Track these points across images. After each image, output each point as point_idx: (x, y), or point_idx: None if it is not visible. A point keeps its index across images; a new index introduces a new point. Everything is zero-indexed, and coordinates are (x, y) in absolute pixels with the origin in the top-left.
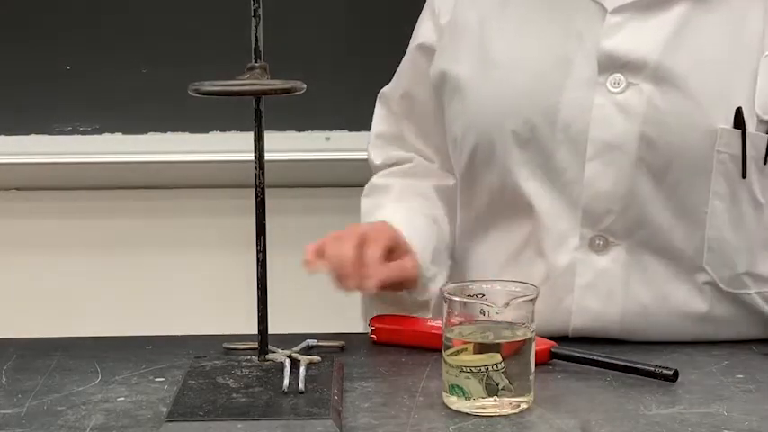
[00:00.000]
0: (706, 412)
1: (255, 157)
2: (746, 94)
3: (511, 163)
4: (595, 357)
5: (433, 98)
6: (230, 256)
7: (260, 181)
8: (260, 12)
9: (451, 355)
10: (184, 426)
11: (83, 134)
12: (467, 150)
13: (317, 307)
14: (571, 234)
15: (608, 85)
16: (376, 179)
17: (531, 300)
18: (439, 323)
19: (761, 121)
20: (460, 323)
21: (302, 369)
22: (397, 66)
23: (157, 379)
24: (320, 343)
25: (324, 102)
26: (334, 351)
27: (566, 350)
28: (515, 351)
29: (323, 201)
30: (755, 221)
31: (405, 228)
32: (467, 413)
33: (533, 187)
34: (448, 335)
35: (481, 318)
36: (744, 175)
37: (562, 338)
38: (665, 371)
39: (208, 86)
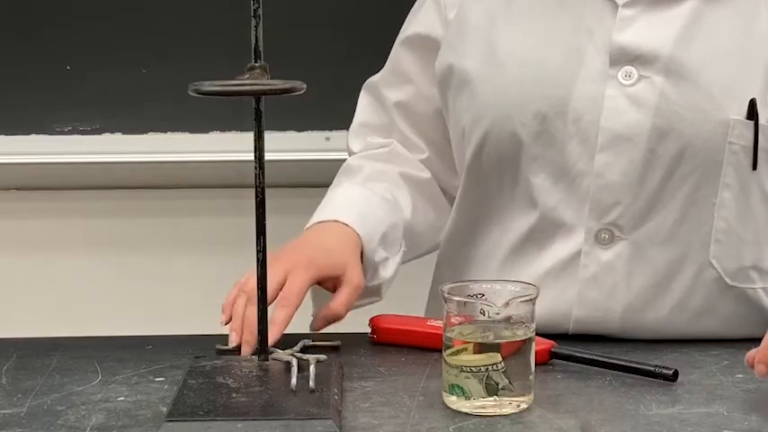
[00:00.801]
0: (706, 412)
1: (255, 157)
2: (759, 86)
3: (519, 155)
4: (595, 357)
5: (430, 88)
6: (230, 256)
7: (260, 181)
8: (260, 12)
9: (451, 355)
10: (184, 426)
11: (83, 134)
12: (474, 143)
13: None
14: (577, 227)
15: (619, 77)
16: (349, 160)
17: (531, 300)
18: (439, 323)
19: None
20: (460, 323)
21: (312, 368)
22: None
23: (157, 379)
24: (316, 343)
25: (324, 102)
26: (330, 351)
27: (566, 350)
28: (515, 351)
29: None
30: (764, 214)
31: (353, 217)
32: (467, 413)
33: (541, 180)
34: (448, 335)
35: (481, 318)
36: (755, 167)
37: (562, 336)
38: (665, 371)
39: (208, 86)
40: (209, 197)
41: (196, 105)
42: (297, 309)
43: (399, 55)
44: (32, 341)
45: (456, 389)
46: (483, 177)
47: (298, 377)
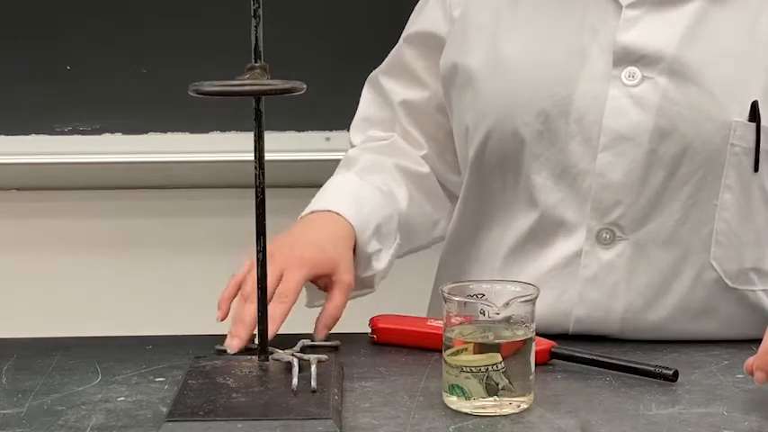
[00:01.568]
0: (706, 412)
1: (255, 157)
2: (762, 88)
3: (522, 154)
4: (595, 357)
5: (433, 85)
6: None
7: (260, 181)
8: (260, 12)
9: (451, 355)
10: (184, 426)
11: (83, 134)
12: (477, 141)
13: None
14: (578, 226)
15: (623, 77)
16: (349, 152)
17: (532, 300)
18: (439, 323)
19: None
20: (460, 323)
21: (313, 368)
22: None
23: (157, 379)
24: (315, 343)
25: (324, 102)
26: (330, 351)
27: (566, 350)
28: (515, 351)
29: None
30: (765, 216)
31: (347, 208)
32: (467, 413)
33: (543, 178)
34: (448, 335)
35: (481, 318)
36: (756, 169)
37: (562, 336)
38: (665, 371)
39: (208, 86)
40: (209, 197)
41: (196, 105)
42: (293, 305)
43: (403, 51)
44: (32, 341)
45: (456, 389)
46: (485, 176)
47: (298, 377)
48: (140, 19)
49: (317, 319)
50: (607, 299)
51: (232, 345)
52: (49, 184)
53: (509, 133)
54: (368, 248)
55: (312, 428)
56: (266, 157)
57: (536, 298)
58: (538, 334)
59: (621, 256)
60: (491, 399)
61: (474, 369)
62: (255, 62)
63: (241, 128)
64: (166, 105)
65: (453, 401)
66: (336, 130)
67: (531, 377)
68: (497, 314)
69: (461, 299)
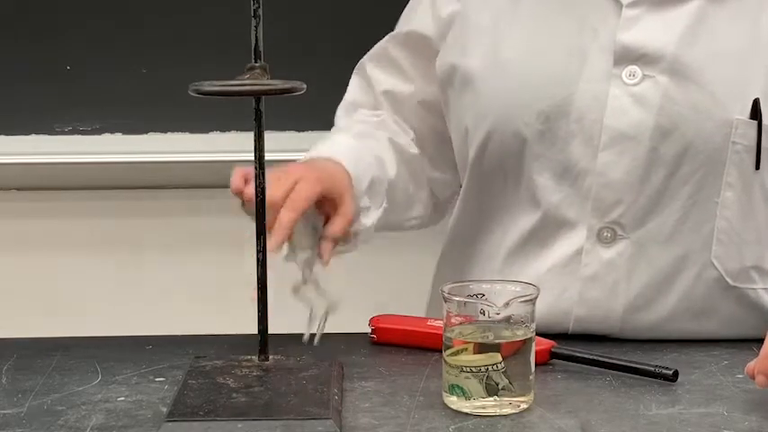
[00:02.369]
0: (706, 412)
1: (255, 157)
2: (763, 86)
3: (522, 154)
4: (595, 357)
5: (418, 81)
6: (230, 256)
7: (260, 181)
8: (260, 12)
9: (451, 355)
10: (184, 426)
11: (83, 134)
12: (477, 141)
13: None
14: (579, 225)
15: (623, 77)
16: (340, 122)
17: (532, 300)
18: (439, 323)
19: None
20: (461, 323)
21: (323, 317)
22: None
23: (157, 379)
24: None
25: (324, 102)
26: (335, 350)
27: (566, 350)
28: (515, 351)
29: None
30: (766, 214)
31: (346, 158)
32: (467, 413)
33: (544, 178)
34: (448, 335)
35: (481, 318)
36: (758, 167)
37: (562, 335)
38: (665, 371)
39: (208, 86)
40: (209, 197)
41: (196, 105)
42: (301, 214)
43: (391, 47)
44: (32, 341)
45: (456, 389)
46: (486, 176)
47: (299, 377)
48: (140, 19)
49: (320, 245)
50: (607, 298)
51: (270, 246)
52: (48, 184)
53: (509, 134)
54: (360, 202)
55: (312, 428)
56: (266, 157)
57: (536, 298)
58: (538, 334)
59: (622, 255)
60: (491, 399)
61: (474, 369)
62: (255, 62)
63: (241, 128)
64: (166, 105)
65: (453, 401)
66: None
67: (531, 377)
68: (497, 314)
69: (461, 299)
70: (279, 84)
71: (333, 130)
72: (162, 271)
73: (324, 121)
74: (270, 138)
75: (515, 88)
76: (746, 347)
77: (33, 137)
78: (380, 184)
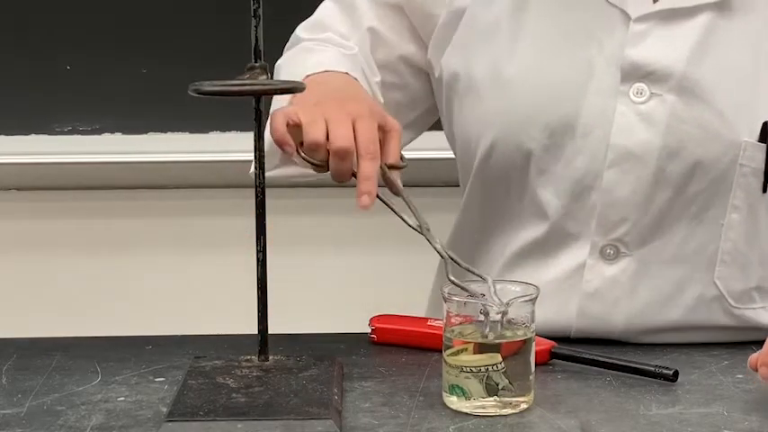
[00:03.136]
0: (706, 412)
1: (255, 157)
2: None
3: (527, 167)
4: (596, 357)
5: (405, 35)
6: (230, 256)
7: (260, 181)
8: (260, 12)
9: (451, 355)
10: (184, 426)
11: (83, 134)
12: (481, 151)
13: (317, 307)
14: (582, 241)
15: (631, 94)
16: (307, 43)
17: (531, 300)
18: (439, 323)
19: None
20: (460, 323)
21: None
22: None
23: (157, 379)
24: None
25: None
26: (335, 350)
27: (566, 350)
28: (515, 351)
29: (323, 201)
30: None
31: (355, 71)
32: (467, 413)
33: (548, 193)
34: (448, 335)
35: (481, 318)
36: (765, 190)
37: (563, 339)
38: (665, 371)
39: (208, 86)
40: (209, 197)
41: (196, 105)
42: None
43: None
44: (32, 341)
45: (456, 389)
46: (489, 185)
47: (299, 377)
48: (140, 19)
49: (386, 175)
50: (608, 314)
51: (364, 202)
52: (48, 184)
53: (514, 146)
54: None
55: (312, 428)
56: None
57: (536, 298)
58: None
59: (625, 272)
60: (491, 399)
61: (474, 369)
62: (255, 62)
63: (241, 128)
64: (166, 105)
65: (453, 401)
66: None
67: (531, 377)
68: (497, 314)
69: (461, 299)
70: (279, 84)
71: (300, 47)
72: (162, 271)
73: None
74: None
75: (520, 100)
76: (747, 347)
77: (33, 137)
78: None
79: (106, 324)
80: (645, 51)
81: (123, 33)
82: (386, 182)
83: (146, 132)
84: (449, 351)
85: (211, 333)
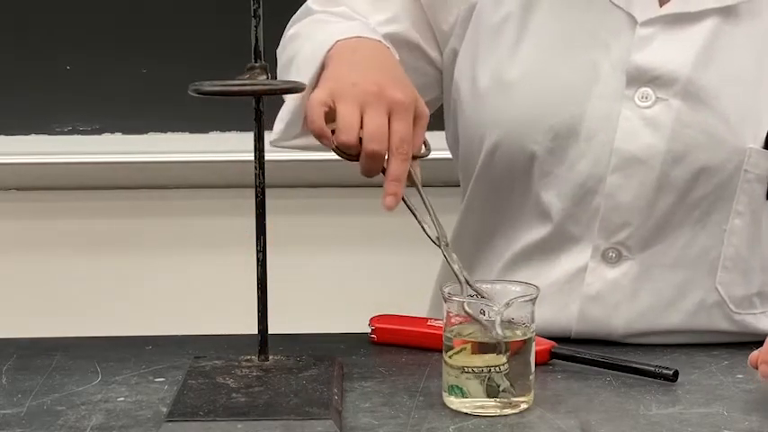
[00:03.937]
0: (706, 412)
1: (255, 157)
2: None
3: (531, 169)
4: (595, 357)
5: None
6: (230, 256)
7: (260, 181)
8: (260, 12)
9: (452, 355)
10: (184, 426)
11: (83, 134)
12: (484, 154)
13: (317, 307)
14: (584, 244)
15: (636, 99)
16: (320, 15)
17: (531, 300)
18: (439, 323)
19: None
20: (460, 323)
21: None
22: None
23: (157, 379)
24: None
25: None
26: (335, 350)
27: (566, 350)
28: (515, 351)
29: (323, 201)
30: None
31: (385, 41)
32: (467, 413)
33: (551, 195)
34: (448, 335)
35: (481, 318)
36: None
37: (563, 339)
38: (665, 371)
39: (208, 86)
40: (209, 197)
41: (196, 105)
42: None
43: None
44: (32, 341)
45: (455, 390)
46: (492, 186)
47: (299, 377)
48: (140, 19)
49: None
50: (608, 317)
51: (389, 203)
52: (49, 184)
53: (518, 148)
54: None
55: (312, 428)
56: (266, 157)
57: (536, 298)
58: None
59: (626, 276)
60: (491, 400)
61: (476, 370)
62: (255, 62)
63: (241, 128)
64: (166, 105)
65: (453, 402)
66: None
67: (531, 377)
68: (497, 314)
69: (461, 299)
70: (279, 84)
71: (315, 18)
72: (162, 271)
73: None
74: (270, 138)
75: (525, 103)
76: (746, 348)
77: (33, 137)
78: None
79: (106, 324)
80: (651, 56)
81: (123, 33)
82: (411, 173)
83: (146, 132)
84: (450, 352)
85: (211, 333)
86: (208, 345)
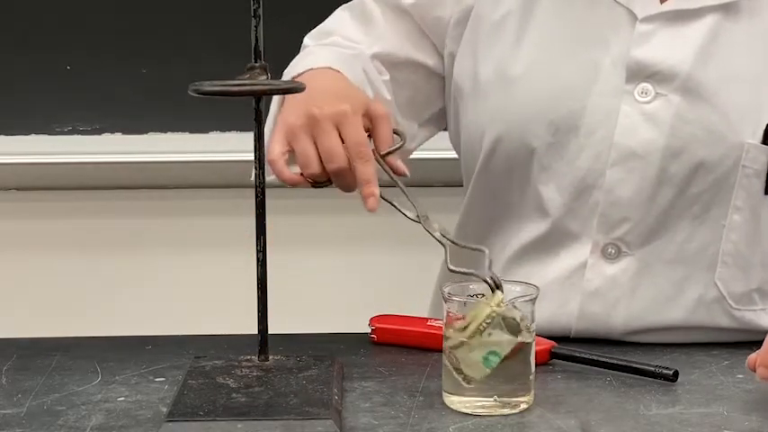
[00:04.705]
0: (706, 412)
1: (255, 157)
2: None
3: (530, 165)
4: (595, 357)
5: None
6: (230, 256)
7: (260, 181)
8: (260, 12)
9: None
10: (184, 426)
11: (83, 134)
12: (485, 149)
13: (317, 307)
14: (584, 240)
15: (636, 94)
16: (313, 48)
17: (531, 300)
18: (439, 323)
19: None
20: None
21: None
22: None
23: (157, 379)
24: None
25: None
26: (335, 350)
27: (566, 350)
28: (515, 351)
29: (323, 201)
30: None
31: (346, 68)
32: (467, 413)
33: (551, 191)
34: (448, 335)
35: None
36: (767, 192)
37: (563, 339)
38: (665, 371)
39: (208, 86)
40: (209, 197)
41: (196, 105)
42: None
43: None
44: (32, 341)
45: (490, 357)
46: (493, 183)
47: (299, 377)
48: (140, 19)
49: (387, 161)
50: (608, 313)
51: (371, 205)
52: (49, 184)
53: (518, 143)
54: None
55: (312, 428)
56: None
57: (536, 298)
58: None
59: (626, 272)
60: (491, 399)
61: (488, 320)
62: (255, 62)
63: (241, 128)
64: (166, 105)
65: (453, 401)
66: None
67: (531, 377)
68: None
69: (462, 299)
70: (279, 84)
71: (301, 53)
72: (162, 271)
73: None
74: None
75: (526, 98)
76: (746, 347)
77: (33, 137)
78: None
79: (106, 324)
80: (651, 51)
81: (123, 33)
82: (384, 170)
83: (146, 132)
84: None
85: (211, 333)
86: (208, 345)
